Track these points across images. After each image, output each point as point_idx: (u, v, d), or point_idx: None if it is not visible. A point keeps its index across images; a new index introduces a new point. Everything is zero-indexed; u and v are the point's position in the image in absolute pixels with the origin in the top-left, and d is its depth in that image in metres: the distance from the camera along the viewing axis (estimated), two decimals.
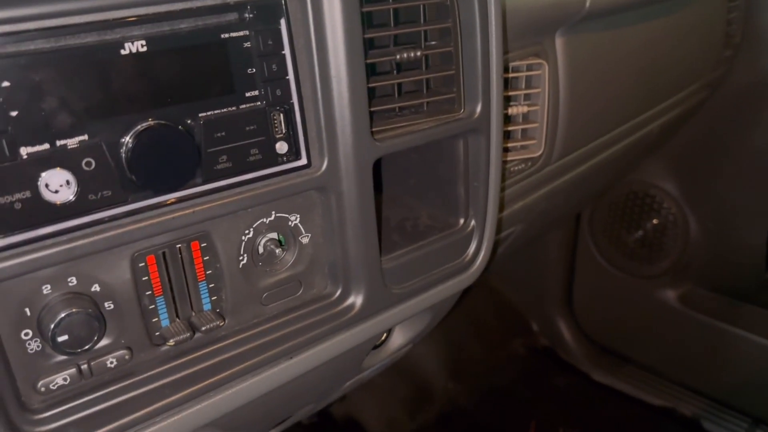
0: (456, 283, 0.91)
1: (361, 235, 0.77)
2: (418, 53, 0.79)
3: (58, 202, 0.57)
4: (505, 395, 2.26)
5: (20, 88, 0.54)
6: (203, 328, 0.69)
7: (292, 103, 0.69)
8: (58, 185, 0.57)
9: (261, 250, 0.74)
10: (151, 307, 0.67)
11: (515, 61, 1.05)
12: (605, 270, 2.32)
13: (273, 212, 0.73)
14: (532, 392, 2.28)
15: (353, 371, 0.98)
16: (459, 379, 2.27)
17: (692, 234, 2.14)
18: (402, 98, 0.81)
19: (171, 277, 0.68)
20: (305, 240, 0.76)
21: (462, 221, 0.91)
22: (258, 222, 0.72)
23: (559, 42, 1.10)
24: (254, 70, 0.65)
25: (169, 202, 0.63)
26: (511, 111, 1.09)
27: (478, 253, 0.92)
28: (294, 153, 0.70)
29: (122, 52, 0.58)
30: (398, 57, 0.78)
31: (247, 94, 0.66)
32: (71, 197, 0.58)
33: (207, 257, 0.70)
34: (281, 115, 0.68)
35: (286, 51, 0.67)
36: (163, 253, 0.67)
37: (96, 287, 0.63)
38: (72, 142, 0.57)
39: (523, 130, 1.13)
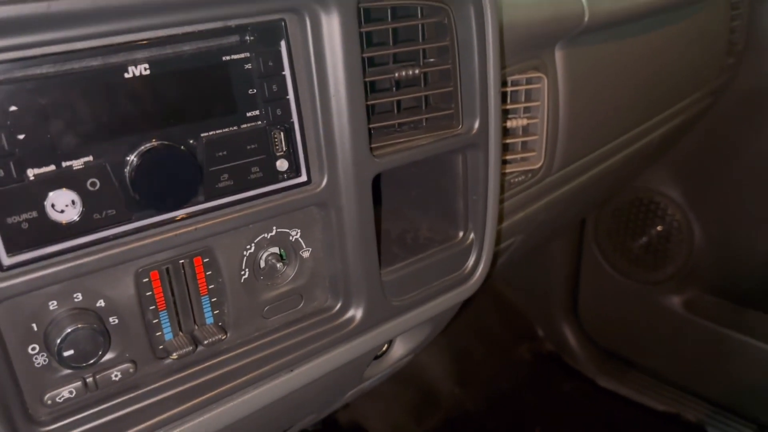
0: (455, 295, 0.92)
1: (360, 249, 0.78)
2: (417, 71, 0.80)
3: (64, 222, 0.59)
4: (510, 400, 2.27)
5: (27, 112, 0.56)
6: (206, 342, 0.71)
7: (293, 122, 0.71)
8: (63, 205, 0.59)
9: (262, 264, 0.75)
10: (154, 321, 0.69)
11: (514, 75, 1.06)
12: (610, 276, 2.32)
13: (274, 227, 0.74)
14: (537, 397, 2.29)
15: (354, 382, 1.00)
16: (464, 385, 2.27)
17: (697, 240, 2.15)
18: (401, 114, 0.82)
19: (174, 291, 0.70)
20: (306, 254, 0.78)
21: (461, 234, 0.92)
22: (259, 237, 0.73)
23: (558, 55, 1.11)
24: (255, 90, 0.67)
25: (172, 220, 0.65)
26: (511, 124, 1.10)
27: (477, 265, 0.93)
28: (294, 170, 0.72)
29: (126, 75, 0.60)
30: (397, 75, 0.79)
31: (248, 114, 0.67)
32: (76, 217, 0.59)
33: (209, 272, 0.71)
34: (282, 133, 0.70)
35: (286, 71, 0.69)
36: (167, 269, 0.68)
37: (101, 303, 0.64)
38: (77, 164, 0.59)
39: (523, 143, 1.14)
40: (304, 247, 0.78)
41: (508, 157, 1.12)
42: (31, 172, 0.57)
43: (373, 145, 0.76)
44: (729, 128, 1.97)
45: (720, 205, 2.07)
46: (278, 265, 0.75)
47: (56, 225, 0.59)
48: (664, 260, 2.22)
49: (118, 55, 0.59)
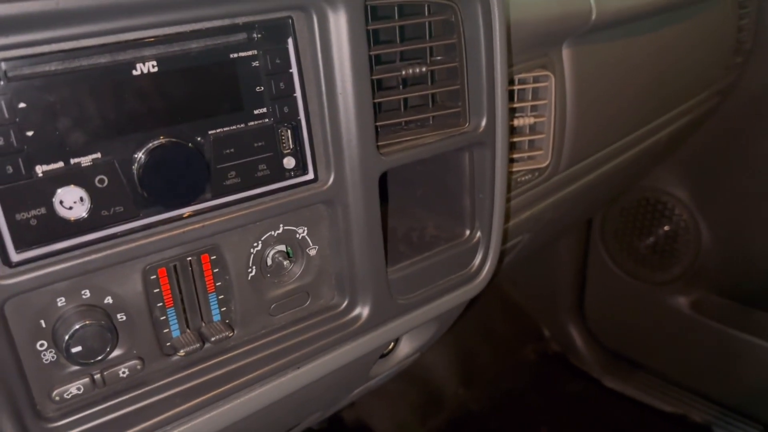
0: (462, 294, 0.92)
1: (367, 246, 0.78)
2: (424, 69, 0.80)
3: (72, 218, 0.59)
4: (516, 401, 2.26)
5: (36, 109, 0.56)
6: (213, 339, 0.71)
7: (300, 120, 0.71)
8: (72, 202, 0.59)
9: (269, 262, 0.75)
10: (162, 318, 0.69)
11: (521, 73, 1.06)
12: (617, 276, 2.32)
13: (281, 225, 0.74)
14: (543, 398, 2.28)
15: (361, 380, 1.00)
16: (470, 385, 2.27)
17: (704, 240, 2.14)
18: (408, 112, 0.82)
19: (182, 289, 0.70)
20: (312, 252, 0.78)
21: (468, 232, 0.92)
22: (266, 235, 0.74)
23: (565, 53, 1.11)
24: (262, 88, 0.67)
25: (179, 217, 0.65)
26: (518, 122, 1.10)
27: (483, 263, 0.93)
28: (301, 168, 0.72)
29: (134, 72, 0.60)
30: (404, 72, 0.79)
31: (256, 112, 0.67)
32: (85, 213, 0.60)
33: (216, 269, 0.71)
34: (289, 131, 0.70)
35: (294, 69, 0.69)
36: (174, 266, 0.68)
37: (109, 299, 0.65)
38: (86, 160, 0.59)
39: (530, 141, 1.14)
40: (311, 244, 0.78)
41: (515, 156, 1.12)
42: (39, 169, 0.57)
43: (379, 143, 0.76)
44: (737, 128, 1.97)
45: (727, 206, 2.07)
46: (285, 262, 0.75)
47: (64, 222, 0.59)
48: (671, 260, 2.22)
49: (126, 52, 0.59)
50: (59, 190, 0.58)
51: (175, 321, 0.70)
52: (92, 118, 0.58)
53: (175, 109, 0.62)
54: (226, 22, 0.63)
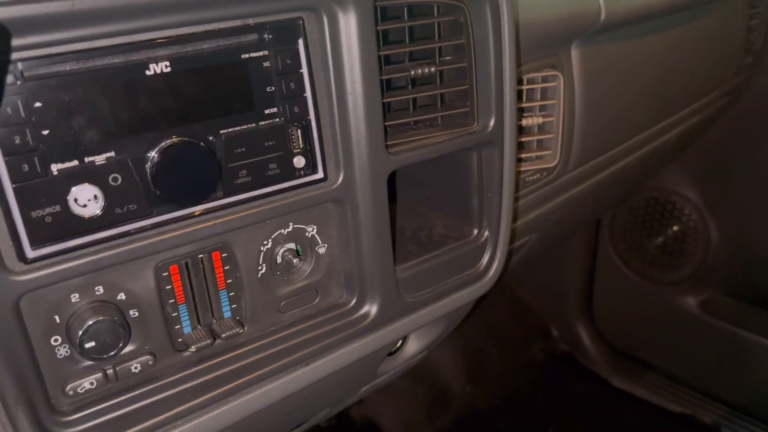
0: (469, 293, 0.93)
1: (376, 245, 0.79)
2: (433, 69, 0.81)
3: (87, 216, 0.60)
4: (523, 400, 2.27)
5: (51, 108, 0.57)
6: (224, 335, 0.72)
7: (310, 119, 0.71)
8: (86, 199, 0.60)
9: (279, 259, 0.76)
10: (174, 314, 0.70)
11: (530, 73, 1.07)
12: (625, 276, 2.32)
13: (291, 223, 0.75)
14: (551, 398, 2.29)
15: (369, 377, 1.00)
16: (477, 384, 2.28)
17: (713, 241, 2.14)
18: (417, 112, 0.83)
19: (193, 285, 0.71)
20: (322, 250, 0.79)
21: (476, 231, 0.92)
22: (276, 233, 0.75)
23: (574, 53, 1.11)
24: (273, 88, 0.68)
25: (191, 215, 0.66)
26: (526, 122, 1.10)
27: (491, 263, 0.94)
28: (311, 167, 0.73)
29: (147, 72, 0.61)
30: (413, 72, 0.80)
31: (266, 111, 0.68)
32: (98, 211, 0.61)
33: (227, 267, 0.72)
34: (299, 130, 0.71)
35: (304, 69, 0.70)
36: (186, 263, 0.69)
37: (122, 296, 0.66)
38: (100, 159, 0.60)
39: (539, 141, 1.14)
40: (320, 243, 0.79)
41: (523, 156, 1.12)
42: (54, 167, 0.58)
43: (388, 143, 0.77)
44: (746, 128, 1.96)
45: (737, 206, 2.06)
46: (295, 260, 0.76)
47: (79, 219, 0.60)
48: (680, 260, 2.22)
49: (139, 52, 0.60)
50: (74, 188, 0.59)
51: (187, 317, 0.71)
52: (106, 118, 0.60)
53: (187, 108, 0.63)
54: (238, 23, 0.64)
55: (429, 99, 0.84)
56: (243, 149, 0.68)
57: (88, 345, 0.62)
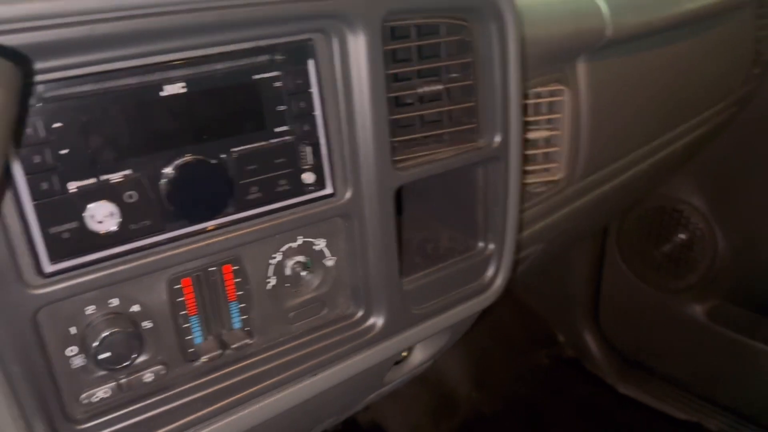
0: (475, 304, 0.94)
1: (382, 258, 0.81)
2: (440, 86, 0.83)
3: (102, 232, 0.62)
4: (529, 405, 2.27)
5: (70, 128, 0.59)
6: (233, 346, 0.74)
7: (319, 137, 0.73)
8: (102, 216, 0.62)
9: (288, 272, 0.78)
10: (185, 325, 0.72)
11: (536, 88, 1.08)
12: (632, 283, 2.32)
13: (300, 237, 0.77)
14: (556, 403, 2.29)
15: (375, 386, 1.02)
16: (483, 388, 2.29)
17: (720, 249, 2.14)
18: (424, 128, 0.84)
19: (204, 297, 0.73)
20: (330, 263, 0.81)
21: (481, 244, 0.94)
22: (286, 246, 0.76)
23: (580, 68, 1.13)
24: (284, 107, 0.70)
25: (203, 230, 0.68)
26: (533, 135, 1.12)
27: (496, 275, 0.95)
28: (320, 183, 0.75)
29: (162, 93, 0.63)
30: (420, 90, 0.82)
31: (277, 130, 0.70)
32: (114, 227, 0.63)
33: (238, 279, 0.74)
34: (309, 148, 0.73)
35: (314, 89, 0.72)
36: (198, 276, 0.71)
37: (135, 308, 0.68)
38: (116, 177, 0.62)
39: (545, 154, 1.16)
40: (328, 256, 0.80)
41: (529, 168, 1.14)
42: (72, 185, 0.60)
43: (396, 158, 0.79)
44: (754, 138, 1.96)
45: (744, 215, 2.06)
46: (303, 273, 0.78)
47: (95, 235, 0.62)
48: (687, 268, 2.22)
49: (155, 74, 0.62)
50: (91, 205, 0.61)
51: (198, 328, 0.73)
52: (122, 137, 0.62)
53: (200, 127, 0.65)
54: (250, 45, 0.66)
55: (436, 116, 0.86)
56: (254, 166, 0.70)
57: (102, 356, 0.64)
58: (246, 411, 0.76)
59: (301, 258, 0.78)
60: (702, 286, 2.19)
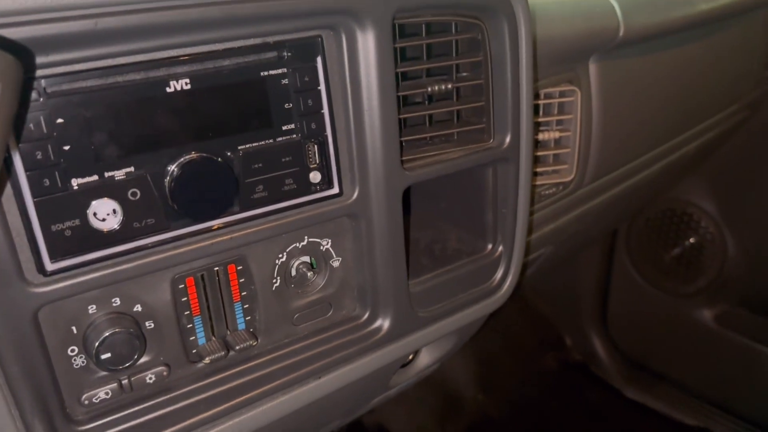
0: (482, 307, 0.93)
1: (389, 260, 0.79)
2: (449, 85, 0.81)
3: (105, 230, 0.61)
4: (535, 409, 2.26)
5: (73, 124, 0.58)
6: (237, 347, 0.72)
7: (326, 135, 0.72)
8: (105, 214, 0.61)
9: (293, 272, 0.77)
10: (188, 326, 0.71)
11: (548, 88, 1.06)
12: (641, 286, 2.31)
13: (306, 237, 0.76)
14: (563, 407, 2.28)
15: (380, 389, 1.01)
16: (490, 391, 2.27)
17: (730, 253, 2.12)
18: (433, 128, 0.83)
19: (208, 298, 0.72)
20: (336, 264, 0.79)
21: (490, 246, 0.93)
22: (291, 246, 0.75)
23: (592, 68, 1.11)
24: (291, 105, 0.69)
25: (208, 229, 0.67)
26: (543, 136, 1.10)
27: (505, 278, 0.94)
28: (327, 182, 0.74)
29: (167, 89, 0.62)
30: (430, 89, 0.81)
31: (284, 128, 0.69)
32: (117, 225, 0.62)
33: (242, 279, 0.73)
34: (315, 146, 0.72)
35: (322, 86, 0.70)
36: (202, 276, 0.70)
37: (138, 307, 0.67)
38: (119, 174, 0.61)
39: (555, 155, 1.14)
40: (334, 256, 0.79)
41: (539, 170, 1.12)
42: (75, 182, 0.59)
43: (404, 158, 0.78)
44: (765, 141, 1.95)
45: (754, 219, 2.05)
46: (309, 273, 0.77)
47: (97, 233, 0.61)
48: (696, 272, 2.20)
49: (160, 69, 0.61)
50: (93, 203, 0.60)
51: (201, 329, 0.72)
52: (126, 133, 0.60)
53: (206, 125, 0.64)
54: (258, 41, 0.65)
55: (445, 115, 0.85)
56: (260, 165, 0.68)
57: (104, 356, 0.63)
58: (250, 414, 0.75)
59: (306, 258, 0.77)
60: (711, 290, 2.18)
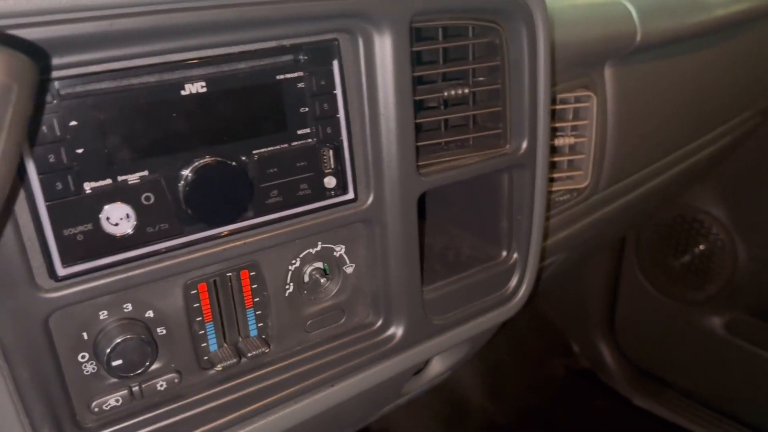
0: (497, 315, 0.91)
1: (403, 267, 0.78)
2: (466, 90, 0.80)
3: (118, 234, 0.60)
4: (543, 416, 2.24)
5: (86, 127, 0.57)
6: (250, 354, 0.71)
7: (342, 140, 0.71)
8: (118, 218, 0.60)
9: (307, 279, 0.76)
10: (200, 332, 0.70)
11: (563, 93, 1.05)
12: (649, 293, 2.29)
13: (319, 243, 0.75)
14: (570, 414, 2.26)
15: (393, 397, 1.00)
16: (497, 398, 2.26)
17: (740, 261, 2.10)
18: (448, 133, 0.82)
19: (221, 304, 0.70)
20: (349, 270, 0.78)
21: (504, 254, 0.91)
22: (305, 252, 0.74)
23: (608, 73, 1.10)
24: (306, 109, 0.68)
25: (221, 235, 0.66)
26: (558, 142, 1.09)
27: (520, 285, 0.92)
28: (342, 187, 0.72)
29: (182, 92, 0.61)
30: (446, 93, 0.79)
31: (299, 132, 0.68)
32: (130, 230, 0.61)
33: (255, 285, 0.72)
34: (331, 151, 0.71)
35: (338, 90, 0.69)
36: (214, 282, 0.69)
37: (150, 313, 0.66)
38: (133, 178, 0.60)
39: (570, 161, 1.13)
40: (348, 263, 0.78)
41: (554, 176, 1.11)
42: (88, 186, 0.58)
43: (419, 163, 0.76)
44: None
45: (765, 226, 2.03)
46: (322, 280, 0.76)
47: (110, 237, 0.60)
48: (706, 280, 2.18)
49: (175, 72, 0.60)
50: (106, 207, 0.59)
51: (213, 335, 0.71)
52: (140, 137, 0.59)
53: (221, 128, 0.63)
54: (274, 44, 0.64)
55: (461, 120, 0.84)
56: (275, 169, 0.67)
57: (115, 363, 0.62)
58: (261, 422, 0.74)
59: (320, 264, 0.76)
60: (721, 297, 2.16)
